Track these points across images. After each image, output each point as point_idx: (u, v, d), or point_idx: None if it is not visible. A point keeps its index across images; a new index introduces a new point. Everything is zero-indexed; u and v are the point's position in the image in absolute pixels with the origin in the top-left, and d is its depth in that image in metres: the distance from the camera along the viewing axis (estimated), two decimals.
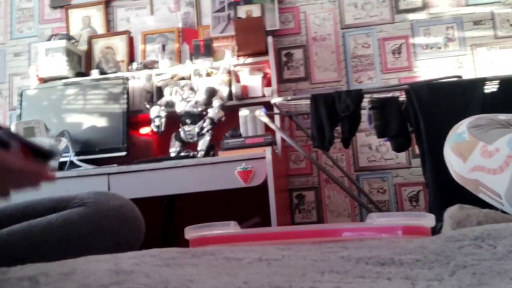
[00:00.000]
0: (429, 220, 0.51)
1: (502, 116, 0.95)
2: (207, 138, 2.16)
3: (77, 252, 0.78)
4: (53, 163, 2.04)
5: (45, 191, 0.89)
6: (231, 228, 0.49)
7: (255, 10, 2.60)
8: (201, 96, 2.23)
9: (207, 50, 2.46)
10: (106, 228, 0.83)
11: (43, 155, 0.55)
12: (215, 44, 2.53)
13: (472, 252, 0.41)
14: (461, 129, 0.94)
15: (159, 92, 2.42)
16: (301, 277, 0.34)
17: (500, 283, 0.33)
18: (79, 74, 2.57)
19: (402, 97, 1.90)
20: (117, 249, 0.85)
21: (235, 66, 2.43)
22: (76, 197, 0.87)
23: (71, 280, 0.31)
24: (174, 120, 2.26)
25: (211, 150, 2.16)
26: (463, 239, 0.44)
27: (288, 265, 0.38)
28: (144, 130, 2.51)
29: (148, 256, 0.40)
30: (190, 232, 0.51)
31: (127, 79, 2.41)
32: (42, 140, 2.04)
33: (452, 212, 0.68)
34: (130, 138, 2.31)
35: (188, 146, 2.25)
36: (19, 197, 0.87)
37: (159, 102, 2.29)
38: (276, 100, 2.07)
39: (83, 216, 0.82)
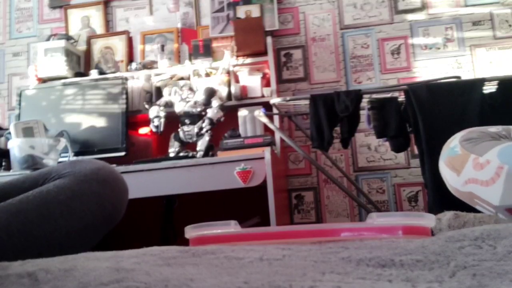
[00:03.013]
0: (429, 220, 0.51)
1: (493, 129, 0.96)
2: (206, 138, 2.16)
3: (60, 217, 0.77)
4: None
5: None
6: (231, 227, 0.49)
7: (254, 11, 2.59)
8: (200, 96, 2.23)
9: (206, 50, 2.46)
10: (86, 191, 0.82)
11: None
12: (214, 44, 2.53)
13: (472, 252, 0.41)
14: (453, 144, 0.95)
15: (158, 92, 2.42)
16: (302, 277, 0.34)
17: (500, 285, 0.33)
18: (78, 74, 2.57)
19: (401, 97, 1.90)
20: (102, 210, 0.84)
21: (234, 66, 2.43)
22: (52, 171, 0.86)
23: (71, 277, 0.31)
24: (173, 120, 2.26)
25: (210, 150, 2.16)
26: (463, 240, 0.44)
27: (288, 265, 0.38)
28: (143, 130, 2.51)
29: (148, 255, 0.40)
30: (190, 231, 0.51)
31: (126, 79, 2.40)
32: (41, 140, 2.04)
33: (449, 220, 0.68)
34: (129, 138, 2.31)
35: (187, 146, 2.25)
36: None
37: (158, 102, 2.29)
38: (275, 100, 2.08)
39: (60, 185, 0.81)
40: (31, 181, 0.84)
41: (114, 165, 2.00)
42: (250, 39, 2.36)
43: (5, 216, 0.74)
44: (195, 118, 2.21)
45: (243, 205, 2.09)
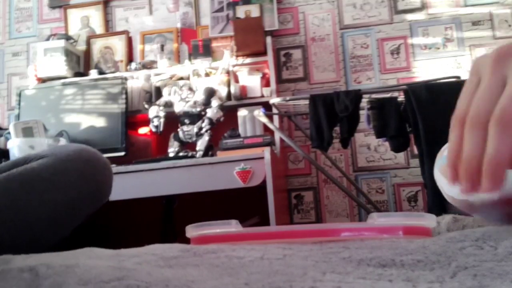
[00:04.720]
0: (430, 220, 0.51)
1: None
2: (205, 138, 2.16)
3: (45, 192, 0.78)
4: None
5: None
6: (232, 227, 0.49)
7: (254, 10, 2.60)
8: (199, 96, 2.23)
9: (206, 50, 2.46)
10: (69, 169, 0.83)
11: None
12: (214, 44, 2.53)
13: (473, 253, 0.41)
14: (446, 152, 0.95)
15: (158, 92, 2.42)
16: (302, 276, 0.34)
17: (501, 285, 0.33)
18: (77, 74, 2.57)
19: (401, 97, 1.90)
20: (86, 187, 0.85)
21: (234, 66, 2.43)
22: (30, 155, 0.87)
23: (72, 273, 0.31)
24: (172, 120, 2.26)
25: (209, 150, 2.16)
26: (464, 240, 0.44)
27: (289, 265, 0.38)
28: (143, 130, 2.51)
29: (150, 254, 0.40)
30: (192, 231, 0.51)
31: (126, 79, 2.40)
32: (41, 140, 2.04)
33: (448, 224, 0.68)
34: (129, 138, 2.31)
35: (187, 146, 2.25)
36: None
37: (157, 102, 2.29)
38: (275, 100, 2.08)
39: (43, 163, 0.81)
40: (9, 165, 0.84)
41: (113, 165, 2.00)
42: (250, 39, 2.36)
43: None
44: (195, 118, 2.21)
45: (242, 205, 2.09)
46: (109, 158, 0.90)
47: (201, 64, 2.43)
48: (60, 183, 0.81)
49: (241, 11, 2.61)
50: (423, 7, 2.59)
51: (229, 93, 2.40)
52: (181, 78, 2.43)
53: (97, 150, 0.95)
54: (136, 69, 2.52)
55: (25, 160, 0.84)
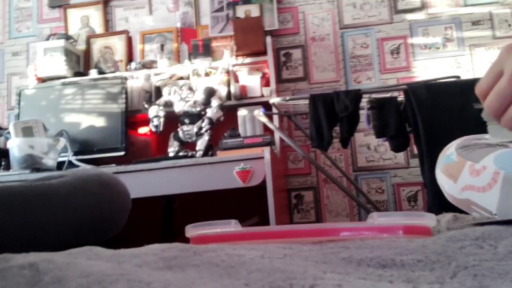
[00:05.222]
0: (430, 220, 0.51)
1: (488, 136, 0.96)
2: (205, 138, 2.16)
3: (58, 209, 0.78)
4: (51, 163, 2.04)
5: None
6: (232, 226, 0.49)
7: (253, 10, 2.59)
8: (199, 96, 2.23)
9: (205, 50, 2.46)
10: (86, 190, 0.83)
11: None
12: (214, 44, 2.53)
13: (473, 252, 0.41)
14: (450, 151, 0.95)
15: (158, 92, 2.42)
16: (303, 274, 0.34)
17: (501, 285, 0.33)
18: (77, 74, 2.57)
19: (401, 97, 1.90)
20: (100, 211, 0.84)
21: (233, 66, 2.43)
22: (53, 174, 0.87)
23: (74, 267, 0.31)
24: (172, 120, 2.26)
25: (209, 150, 2.16)
26: (464, 239, 0.44)
27: (289, 264, 0.38)
28: (143, 130, 2.51)
29: (150, 254, 0.40)
30: (191, 231, 0.51)
31: (126, 78, 2.40)
32: (41, 140, 2.04)
33: (448, 222, 0.68)
34: (129, 138, 2.31)
35: (187, 146, 2.24)
36: None
37: (157, 102, 2.29)
38: (274, 100, 2.08)
39: (62, 181, 0.82)
40: (30, 180, 0.84)
41: (113, 164, 2.00)
42: (250, 38, 2.36)
43: (6, 195, 0.74)
44: (195, 117, 2.21)
45: (242, 205, 2.09)
46: (108, 158, 0.89)
47: (201, 63, 2.43)
48: (74, 202, 0.80)
49: (241, 11, 2.61)
50: (423, 7, 2.59)
51: (229, 93, 2.40)
52: (181, 78, 2.43)
53: (118, 178, 0.94)
54: (136, 69, 2.52)
55: (46, 178, 0.85)
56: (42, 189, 0.78)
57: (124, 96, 2.32)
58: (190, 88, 2.27)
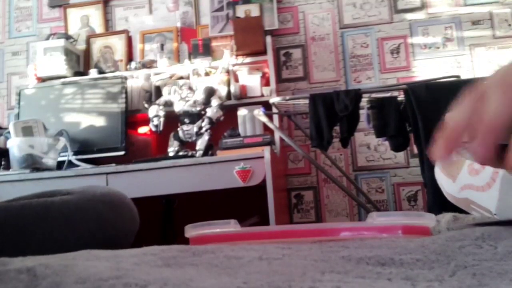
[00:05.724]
0: (429, 219, 0.51)
1: None
2: (205, 137, 2.16)
3: (58, 230, 0.75)
4: (51, 163, 2.04)
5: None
6: (231, 226, 0.49)
7: (253, 10, 2.59)
8: (199, 96, 2.23)
9: (205, 49, 2.46)
10: (89, 210, 0.80)
11: None
12: (214, 44, 2.53)
13: (472, 252, 0.41)
14: None
15: (158, 91, 2.42)
16: (301, 276, 0.34)
17: (500, 284, 0.33)
18: (77, 74, 2.57)
19: (401, 97, 1.90)
20: (102, 233, 0.80)
21: (233, 65, 2.43)
22: (61, 190, 0.85)
23: (70, 272, 0.31)
24: (172, 119, 2.26)
25: (209, 149, 2.16)
26: (463, 239, 0.44)
27: (288, 264, 0.38)
28: (143, 130, 2.51)
29: (149, 254, 0.40)
30: (191, 231, 0.51)
31: (126, 78, 2.40)
32: (41, 140, 2.04)
33: (447, 223, 0.68)
34: (129, 138, 2.31)
35: (187, 145, 2.24)
36: None
37: (157, 102, 2.29)
38: (274, 99, 2.08)
39: (65, 199, 0.79)
40: (33, 195, 0.82)
41: (113, 164, 2.00)
42: (250, 38, 2.36)
43: (3, 216, 0.73)
44: (195, 117, 2.21)
45: (242, 205, 2.09)
46: (108, 157, 0.88)
47: (201, 63, 2.43)
48: (75, 223, 0.78)
49: (241, 11, 2.60)
50: (423, 6, 2.59)
51: (229, 92, 2.40)
52: (181, 78, 2.43)
53: (126, 198, 0.91)
54: (136, 69, 2.52)
55: (52, 193, 0.83)
56: (43, 207, 0.75)
57: (124, 95, 2.32)
58: (190, 88, 2.27)
